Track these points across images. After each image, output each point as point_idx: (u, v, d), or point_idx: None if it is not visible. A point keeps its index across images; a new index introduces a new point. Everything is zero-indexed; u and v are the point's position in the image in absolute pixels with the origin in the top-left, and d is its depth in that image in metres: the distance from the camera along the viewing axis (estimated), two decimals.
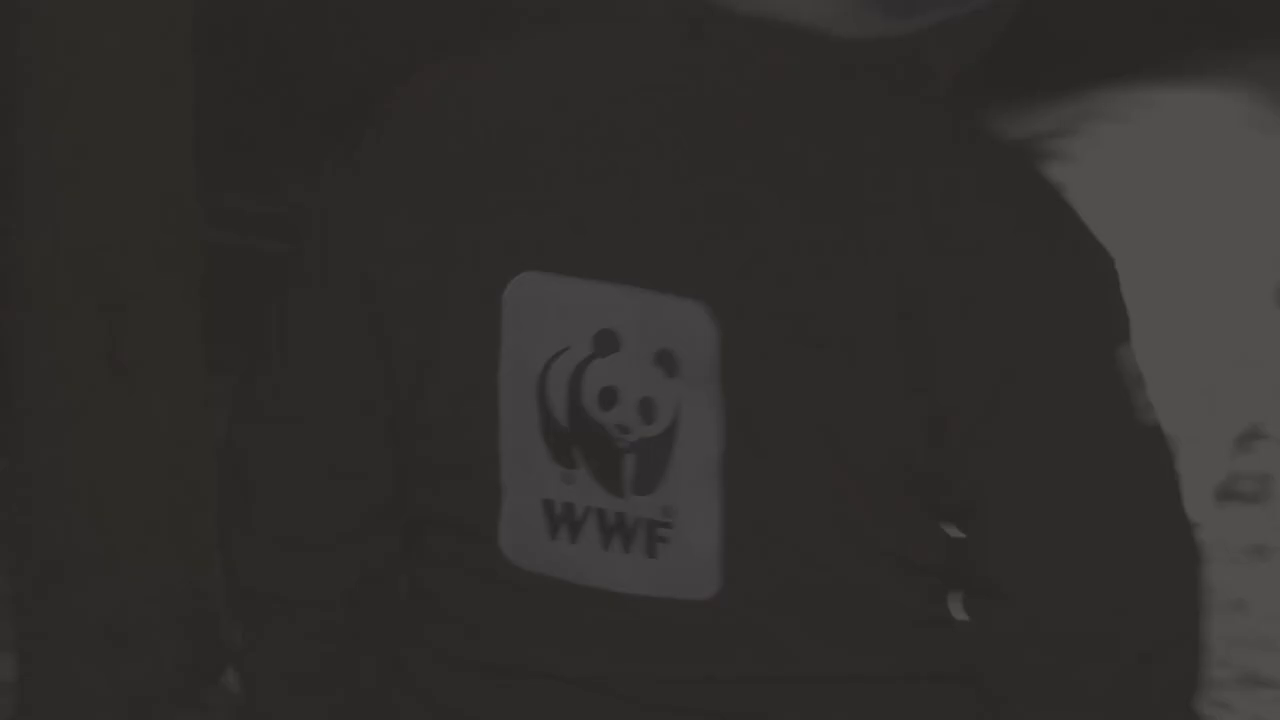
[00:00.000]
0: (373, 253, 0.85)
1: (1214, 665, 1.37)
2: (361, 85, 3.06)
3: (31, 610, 2.59)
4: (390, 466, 0.89)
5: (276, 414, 0.91)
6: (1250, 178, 5.87)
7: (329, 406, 0.89)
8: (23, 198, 2.53)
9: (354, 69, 3.64)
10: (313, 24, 3.49)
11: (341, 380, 0.88)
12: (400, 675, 0.93)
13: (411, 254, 0.85)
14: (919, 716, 0.82)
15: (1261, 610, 3.38)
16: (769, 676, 0.80)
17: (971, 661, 0.81)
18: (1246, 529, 3.67)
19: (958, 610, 0.83)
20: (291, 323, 0.90)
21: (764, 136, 0.78)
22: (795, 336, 0.76)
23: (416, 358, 0.85)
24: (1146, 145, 6.01)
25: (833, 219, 0.75)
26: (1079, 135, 5.91)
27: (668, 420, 0.79)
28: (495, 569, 0.84)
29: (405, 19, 3.68)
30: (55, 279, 2.45)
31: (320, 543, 0.91)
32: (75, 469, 2.51)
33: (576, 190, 0.80)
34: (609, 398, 0.79)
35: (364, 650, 0.94)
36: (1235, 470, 3.90)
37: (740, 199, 0.78)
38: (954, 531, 0.81)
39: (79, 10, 2.49)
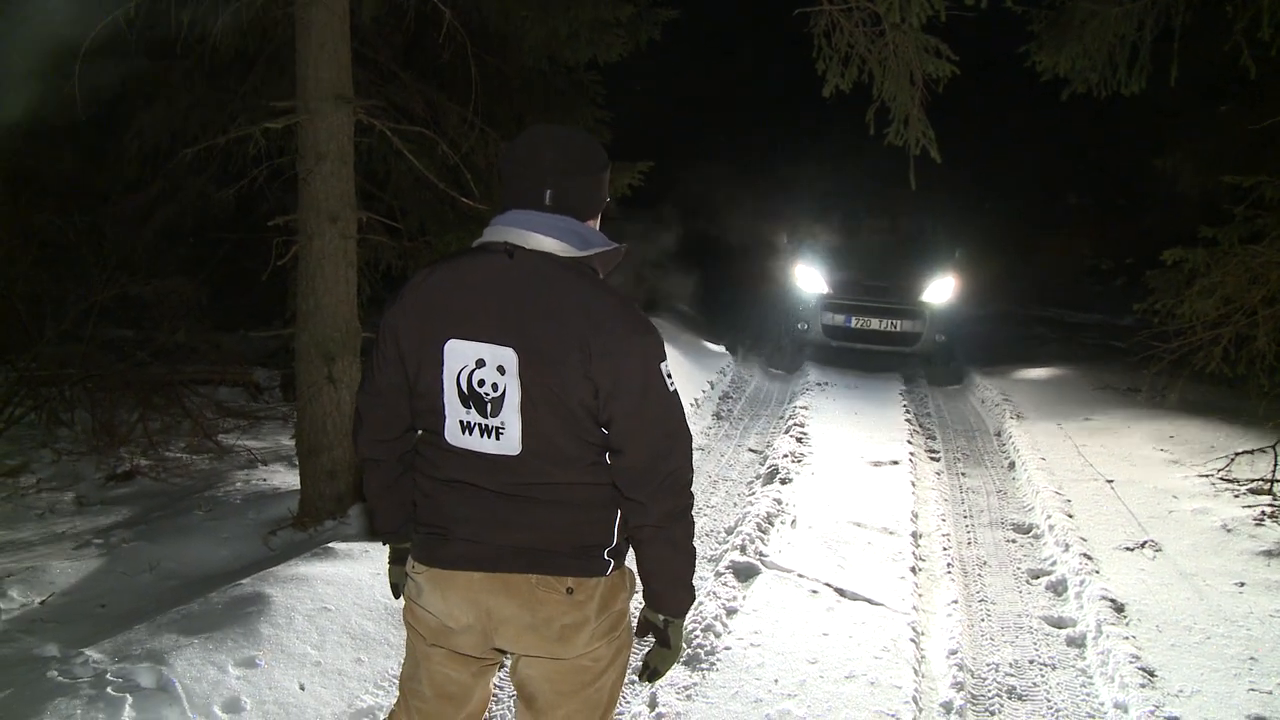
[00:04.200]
0: (399, 332, 1.44)
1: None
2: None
3: (302, 461, 4.15)
4: (409, 410, 1.50)
5: (369, 392, 1.54)
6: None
7: (388, 389, 1.50)
8: (299, 326, 3.98)
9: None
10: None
11: (391, 380, 1.49)
12: (414, 485, 1.55)
13: (412, 332, 1.42)
14: (593, 502, 1.47)
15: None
16: (537, 481, 1.44)
17: (613, 478, 1.46)
18: (726, 436, 6.43)
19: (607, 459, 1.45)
20: (374, 360, 1.50)
21: (535, 288, 1.37)
22: (545, 359, 1.35)
23: (415, 369, 1.42)
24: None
25: (556, 316, 1.36)
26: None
27: (502, 390, 1.37)
28: (442, 445, 1.45)
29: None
30: (310, 349, 3.96)
31: (388, 439, 1.57)
32: (321, 417, 4.04)
33: (467, 308, 1.38)
34: (480, 382, 1.37)
35: (405, 475, 1.60)
36: (717, 409, 7.09)
37: (525, 310, 1.36)
38: (605, 431, 1.42)
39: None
